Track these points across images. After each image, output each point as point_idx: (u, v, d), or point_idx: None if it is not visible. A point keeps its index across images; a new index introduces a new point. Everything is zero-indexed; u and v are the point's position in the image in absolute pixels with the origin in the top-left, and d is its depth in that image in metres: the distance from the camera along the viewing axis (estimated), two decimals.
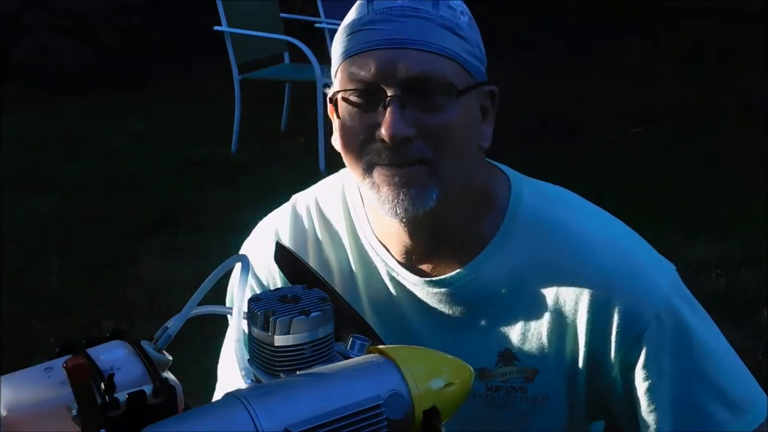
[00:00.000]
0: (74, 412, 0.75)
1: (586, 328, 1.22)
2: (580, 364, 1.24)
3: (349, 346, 0.86)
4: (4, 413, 0.76)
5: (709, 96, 6.24)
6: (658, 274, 1.25)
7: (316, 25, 5.82)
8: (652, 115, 5.91)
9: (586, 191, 1.34)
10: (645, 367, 1.21)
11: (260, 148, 5.50)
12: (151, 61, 7.36)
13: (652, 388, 1.22)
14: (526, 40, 7.74)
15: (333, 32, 5.98)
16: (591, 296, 1.21)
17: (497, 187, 1.28)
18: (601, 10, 8.43)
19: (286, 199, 1.43)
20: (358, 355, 0.85)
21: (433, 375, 0.85)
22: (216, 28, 5.35)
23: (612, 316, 1.21)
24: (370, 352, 0.86)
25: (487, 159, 1.31)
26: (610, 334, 1.21)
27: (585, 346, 1.23)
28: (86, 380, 0.74)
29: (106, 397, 0.75)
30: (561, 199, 1.30)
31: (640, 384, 1.22)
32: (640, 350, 1.21)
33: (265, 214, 1.43)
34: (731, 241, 4.00)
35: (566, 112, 6.11)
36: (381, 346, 0.86)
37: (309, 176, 1.45)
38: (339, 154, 1.27)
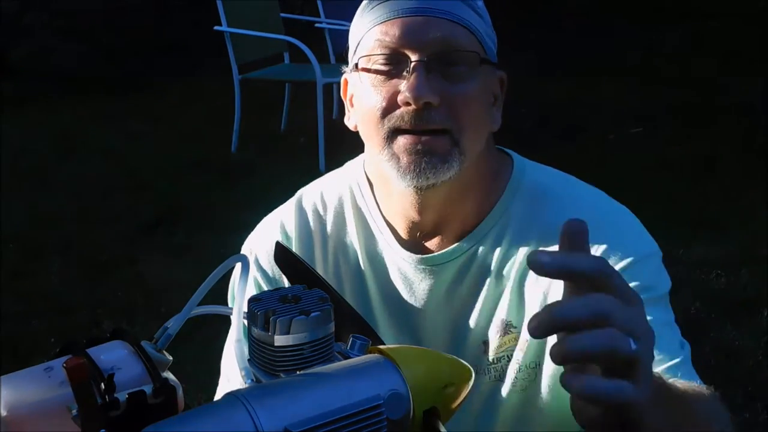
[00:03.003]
0: (74, 412, 0.75)
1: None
2: None
3: (349, 346, 0.86)
4: (4, 413, 0.76)
5: (709, 96, 6.25)
6: (650, 242, 1.26)
7: (316, 25, 5.82)
8: (652, 115, 5.91)
9: None
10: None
11: (260, 148, 5.50)
12: (151, 61, 7.37)
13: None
14: (526, 40, 7.74)
15: (333, 32, 6.02)
16: None
17: (503, 167, 1.31)
18: (601, 9, 8.43)
19: (286, 199, 1.43)
20: (358, 355, 0.85)
21: (433, 375, 0.85)
22: (216, 28, 5.35)
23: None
24: (370, 352, 0.86)
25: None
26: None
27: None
28: (86, 380, 0.74)
29: (106, 397, 0.74)
30: (562, 176, 1.33)
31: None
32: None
33: (265, 214, 1.43)
34: (731, 241, 4.00)
35: (566, 112, 6.11)
36: (381, 346, 0.86)
37: (309, 176, 1.45)
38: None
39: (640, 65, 7.20)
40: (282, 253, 1.15)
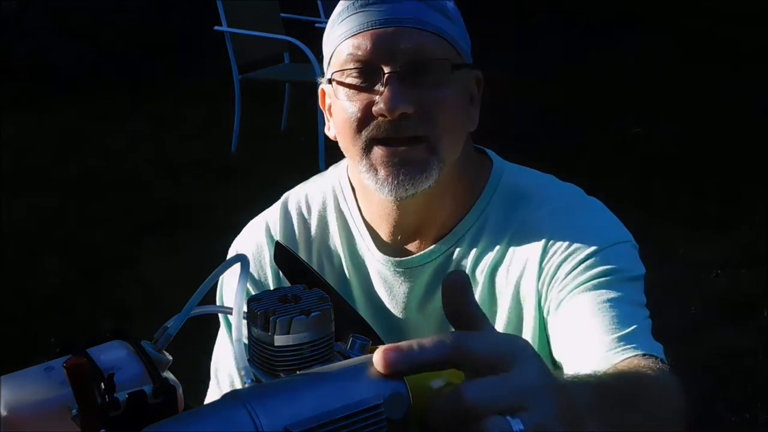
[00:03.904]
0: (74, 412, 0.75)
1: (539, 265, 1.22)
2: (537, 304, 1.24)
3: (349, 346, 0.86)
4: (4, 413, 0.76)
5: (709, 96, 6.24)
6: (622, 232, 1.27)
7: (316, 25, 5.82)
8: (652, 115, 5.91)
9: (586, 191, 1.34)
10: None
11: (260, 148, 5.50)
12: (151, 61, 7.36)
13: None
14: (525, 41, 7.74)
15: None
16: (544, 237, 1.22)
17: (481, 168, 1.31)
18: (600, 9, 8.43)
19: None
20: (358, 355, 0.85)
21: (433, 375, 0.85)
22: (216, 28, 5.35)
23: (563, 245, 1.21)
24: (370, 352, 0.86)
25: (474, 145, 1.34)
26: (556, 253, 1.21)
27: (536, 287, 1.22)
28: (86, 380, 0.74)
29: (106, 397, 0.75)
30: (540, 176, 1.34)
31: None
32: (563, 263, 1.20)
33: None
34: (731, 241, 4.00)
35: (566, 112, 6.11)
36: (381, 346, 0.86)
37: (309, 176, 1.45)
38: (339, 153, 1.28)
39: (640, 65, 7.20)
40: (282, 253, 1.16)
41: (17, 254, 4.08)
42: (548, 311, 1.21)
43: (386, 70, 1.17)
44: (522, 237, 1.24)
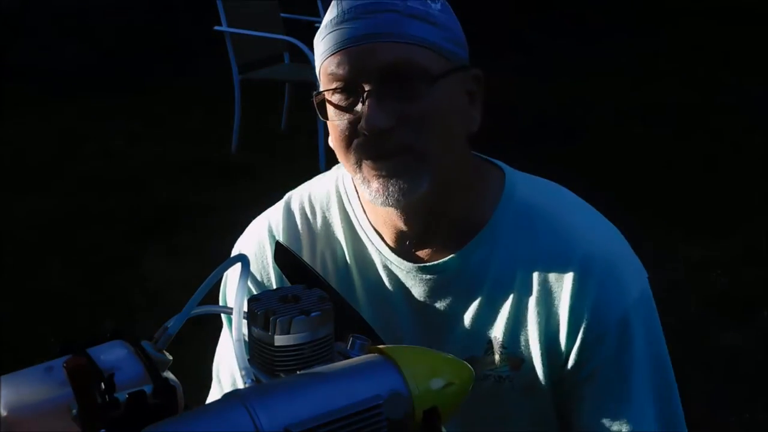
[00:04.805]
0: (74, 412, 0.75)
1: (568, 319, 1.23)
2: (563, 355, 1.25)
3: (349, 346, 0.86)
4: (4, 413, 0.76)
5: (710, 96, 6.25)
6: (640, 276, 1.27)
7: (316, 25, 5.81)
8: (652, 115, 5.91)
9: (586, 191, 1.34)
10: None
11: (260, 148, 5.50)
12: (151, 61, 7.36)
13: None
14: (526, 40, 7.74)
15: None
16: (573, 283, 1.22)
17: (490, 177, 1.30)
18: (600, 10, 8.43)
19: None
20: (358, 355, 0.85)
21: (433, 375, 0.85)
22: (216, 28, 5.35)
23: (583, 312, 1.22)
24: (370, 352, 0.86)
25: (481, 155, 1.33)
26: (578, 331, 1.23)
27: (566, 338, 1.24)
28: (86, 380, 0.74)
29: (106, 397, 0.75)
30: (553, 191, 1.32)
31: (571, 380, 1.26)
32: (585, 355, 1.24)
33: None
34: (731, 241, 4.00)
35: (566, 112, 6.11)
36: (381, 346, 0.86)
37: (309, 176, 1.45)
38: None
39: (640, 65, 7.20)
40: (282, 253, 1.16)
41: (17, 254, 4.08)
42: (578, 396, 1.26)
43: (366, 87, 1.17)
44: (540, 264, 1.24)
